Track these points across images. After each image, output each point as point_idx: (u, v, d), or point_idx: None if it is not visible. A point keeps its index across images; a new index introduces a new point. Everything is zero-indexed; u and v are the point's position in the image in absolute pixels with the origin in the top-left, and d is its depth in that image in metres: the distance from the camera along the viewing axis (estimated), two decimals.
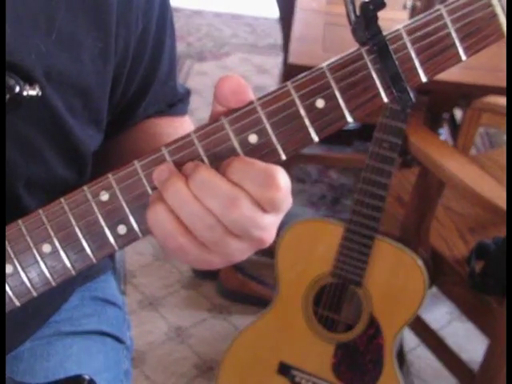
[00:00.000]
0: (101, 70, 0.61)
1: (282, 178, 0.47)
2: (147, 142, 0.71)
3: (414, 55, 0.48)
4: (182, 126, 0.76)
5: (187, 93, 0.79)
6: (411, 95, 0.49)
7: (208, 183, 0.46)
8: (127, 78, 0.66)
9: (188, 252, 0.48)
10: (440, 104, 1.83)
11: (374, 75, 0.48)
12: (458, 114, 2.20)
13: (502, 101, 1.46)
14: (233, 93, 0.48)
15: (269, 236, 0.49)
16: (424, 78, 0.49)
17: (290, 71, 1.54)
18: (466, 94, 1.54)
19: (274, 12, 2.06)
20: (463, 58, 0.48)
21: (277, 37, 3.34)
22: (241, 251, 0.49)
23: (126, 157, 0.52)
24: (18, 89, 0.52)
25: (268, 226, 0.48)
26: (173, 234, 0.47)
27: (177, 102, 0.76)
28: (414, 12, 1.11)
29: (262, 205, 0.47)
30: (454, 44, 0.48)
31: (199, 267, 0.51)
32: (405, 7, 1.12)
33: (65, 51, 0.57)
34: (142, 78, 0.69)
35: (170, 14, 0.70)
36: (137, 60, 0.66)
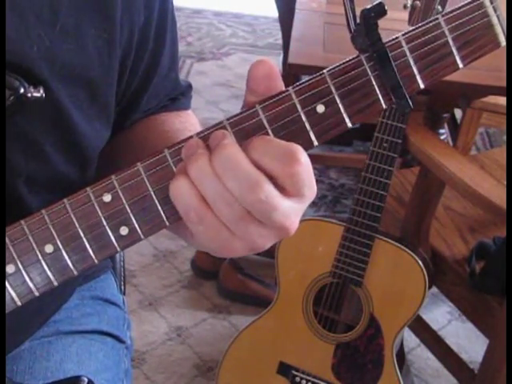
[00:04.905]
0: (106, 62, 0.61)
1: (302, 154, 0.46)
2: (156, 140, 0.70)
3: (412, 63, 0.49)
4: (189, 120, 0.75)
5: (188, 86, 0.78)
6: (409, 101, 0.50)
7: (230, 162, 0.46)
8: (131, 71, 0.66)
9: (209, 231, 0.48)
10: (440, 104, 1.83)
11: (374, 82, 0.49)
12: (458, 113, 2.20)
13: (502, 101, 1.47)
14: (264, 77, 0.48)
15: (291, 224, 0.48)
16: (422, 85, 0.50)
17: (290, 71, 1.55)
18: (466, 93, 1.55)
19: (274, 11, 2.05)
20: (460, 66, 0.49)
21: (277, 36, 3.34)
22: (263, 237, 0.48)
23: (135, 157, 0.52)
24: (22, 90, 0.52)
25: (289, 211, 0.47)
26: (193, 208, 0.47)
27: (179, 96, 0.76)
28: (413, 12, 1.11)
29: (283, 183, 0.46)
30: (451, 52, 0.49)
31: (222, 254, 0.50)
32: (405, 7, 1.12)
33: (69, 43, 0.57)
34: (144, 72, 0.69)
35: (171, 8, 0.70)
36: (140, 53, 0.66)
